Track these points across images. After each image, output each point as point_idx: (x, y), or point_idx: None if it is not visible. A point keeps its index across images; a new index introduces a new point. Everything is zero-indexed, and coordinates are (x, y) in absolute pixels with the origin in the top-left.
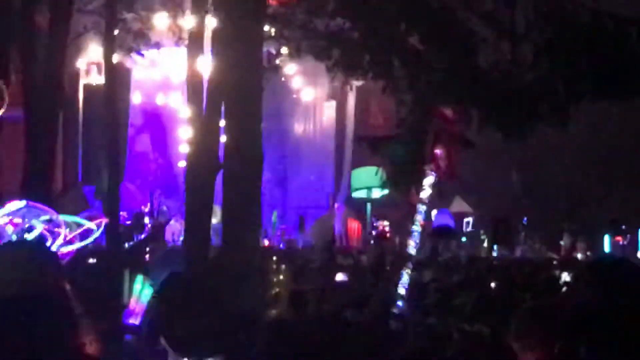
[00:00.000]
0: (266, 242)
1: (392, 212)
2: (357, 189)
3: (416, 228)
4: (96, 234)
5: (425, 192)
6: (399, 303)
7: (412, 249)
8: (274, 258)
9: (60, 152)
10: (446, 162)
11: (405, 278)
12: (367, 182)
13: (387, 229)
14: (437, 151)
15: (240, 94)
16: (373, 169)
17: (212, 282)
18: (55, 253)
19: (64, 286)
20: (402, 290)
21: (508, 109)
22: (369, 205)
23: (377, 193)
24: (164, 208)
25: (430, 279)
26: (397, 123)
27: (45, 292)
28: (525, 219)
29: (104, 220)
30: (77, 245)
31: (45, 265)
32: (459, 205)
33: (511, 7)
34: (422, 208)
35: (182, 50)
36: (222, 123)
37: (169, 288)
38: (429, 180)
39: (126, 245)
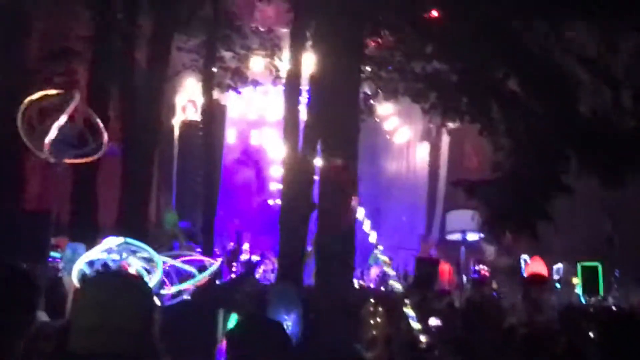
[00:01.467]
0: (359, 282)
1: (484, 256)
2: (451, 232)
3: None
4: (206, 274)
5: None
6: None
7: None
8: (372, 300)
9: (155, 187)
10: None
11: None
12: (462, 225)
13: (487, 273)
14: None
15: (337, 135)
16: (468, 212)
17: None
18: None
19: (153, 324)
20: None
21: (608, 155)
22: (462, 249)
23: (472, 236)
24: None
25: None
26: (493, 167)
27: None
28: (617, 270)
29: (216, 262)
30: (181, 286)
31: (143, 304)
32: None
33: (612, 52)
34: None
35: (278, 88)
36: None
37: (241, 330)
38: None
39: (218, 282)
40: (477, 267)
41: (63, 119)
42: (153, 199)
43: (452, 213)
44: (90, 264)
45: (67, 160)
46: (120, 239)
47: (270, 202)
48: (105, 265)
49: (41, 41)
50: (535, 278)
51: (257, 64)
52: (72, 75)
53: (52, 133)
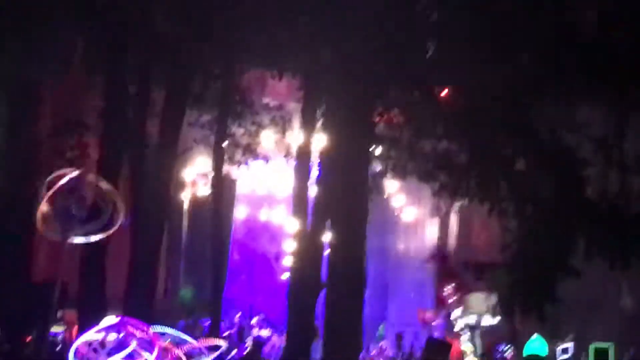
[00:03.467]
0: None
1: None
2: (468, 314)
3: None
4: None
5: None
6: None
7: None
8: None
9: (164, 259)
10: None
11: None
12: (479, 309)
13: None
14: None
15: (346, 213)
16: (483, 295)
17: None
18: None
19: None
20: None
21: (615, 239)
22: (477, 332)
23: (488, 320)
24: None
25: None
26: (502, 248)
27: None
28: (632, 351)
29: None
30: None
31: None
32: None
33: (621, 137)
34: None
35: (287, 164)
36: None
37: None
38: None
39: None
40: (502, 348)
41: (48, 195)
42: (161, 272)
43: (469, 296)
44: (89, 343)
45: (76, 240)
46: (116, 318)
47: (284, 277)
48: (102, 344)
49: (53, 113)
50: (531, 358)
51: (267, 140)
52: (83, 149)
53: (41, 210)
